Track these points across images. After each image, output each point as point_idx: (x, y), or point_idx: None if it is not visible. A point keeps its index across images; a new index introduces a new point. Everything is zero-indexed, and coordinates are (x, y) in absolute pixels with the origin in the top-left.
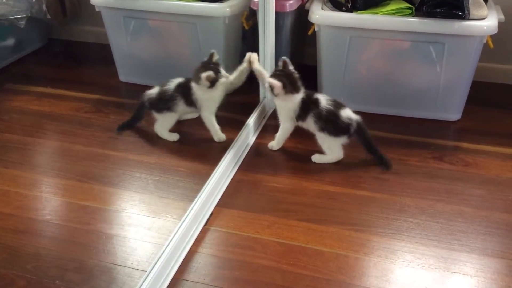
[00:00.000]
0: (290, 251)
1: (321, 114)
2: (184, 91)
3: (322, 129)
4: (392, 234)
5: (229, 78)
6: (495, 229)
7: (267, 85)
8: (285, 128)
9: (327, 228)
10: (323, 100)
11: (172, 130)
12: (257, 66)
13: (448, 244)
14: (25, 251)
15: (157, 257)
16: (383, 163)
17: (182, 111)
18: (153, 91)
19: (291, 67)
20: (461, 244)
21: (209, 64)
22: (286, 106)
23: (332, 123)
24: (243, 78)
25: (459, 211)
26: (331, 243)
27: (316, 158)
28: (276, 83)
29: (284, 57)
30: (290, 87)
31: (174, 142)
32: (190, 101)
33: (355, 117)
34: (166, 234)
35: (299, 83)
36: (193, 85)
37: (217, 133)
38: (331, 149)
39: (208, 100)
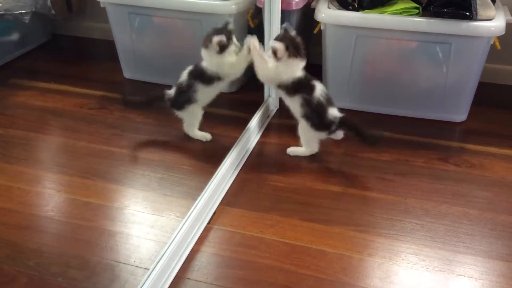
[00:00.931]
0: (293, 251)
1: (311, 102)
2: (197, 73)
3: (307, 117)
4: (396, 236)
5: (243, 52)
6: (501, 232)
7: (270, 50)
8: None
9: (331, 228)
10: (319, 89)
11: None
12: (257, 52)
13: (453, 246)
14: (28, 247)
15: (160, 255)
16: (375, 140)
17: (203, 97)
18: (172, 91)
19: (293, 33)
20: (466, 247)
21: (223, 30)
22: (288, 72)
23: (318, 115)
24: (243, 65)
25: (464, 213)
26: (335, 244)
27: (290, 150)
28: (279, 45)
29: (285, 24)
30: (293, 50)
31: (177, 140)
32: (208, 79)
33: (339, 115)
34: (169, 232)
35: (302, 48)
36: (203, 52)
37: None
38: (308, 142)
39: (229, 66)
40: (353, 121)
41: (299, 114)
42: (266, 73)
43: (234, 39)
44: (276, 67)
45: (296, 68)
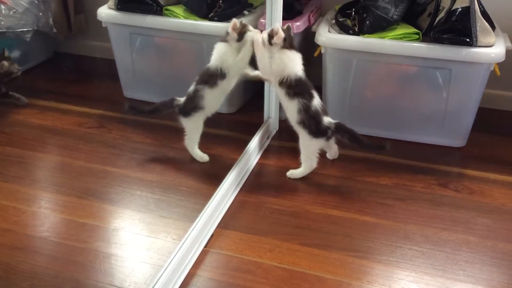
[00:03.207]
0: (291, 277)
1: (309, 109)
2: (202, 76)
3: (303, 124)
4: (396, 262)
5: (247, 46)
6: (501, 260)
7: (265, 35)
8: (267, 80)
9: (330, 253)
10: (317, 99)
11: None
12: (260, 46)
13: (454, 274)
14: (21, 268)
15: (156, 279)
16: (378, 148)
17: (209, 102)
18: (182, 99)
19: (292, 34)
20: (467, 275)
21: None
22: (288, 65)
23: (314, 122)
24: (247, 59)
25: (465, 240)
26: (334, 270)
27: (290, 173)
28: (281, 32)
29: (288, 25)
30: (288, 43)
31: (176, 161)
32: (211, 77)
33: (333, 121)
34: (166, 255)
35: (296, 46)
36: (221, 45)
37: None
38: (308, 155)
39: (237, 63)
40: (347, 126)
41: (295, 121)
42: (266, 65)
43: (250, 27)
44: (276, 57)
45: (294, 62)
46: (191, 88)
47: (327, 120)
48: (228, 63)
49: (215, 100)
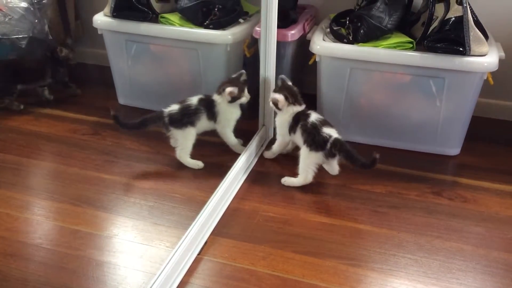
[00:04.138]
0: (285, 285)
1: (306, 127)
2: (207, 104)
3: (305, 141)
4: (390, 271)
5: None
6: (494, 269)
7: (271, 102)
8: (281, 140)
9: (323, 261)
10: (314, 116)
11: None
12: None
13: (447, 283)
14: (13, 275)
15: (149, 286)
16: (371, 164)
17: (201, 126)
18: (174, 107)
19: (289, 83)
20: (460, 283)
21: (237, 81)
22: (284, 118)
23: (311, 136)
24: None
25: (458, 248)
26: (327, 278)
27: (285, 180)
28: (279, 96)
29: (282, 76)
30: (292, 98)
31: (169, 168)
32: (212, 114)
33: (335, 134)
34: (159, 262)
35: (299, 96)
36: (215, 96)
37: (236, 146)
38: (306, 168)
39: (228, 115)
40: (345, 145)
41: (301, 143)
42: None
43: (246, 92)
44: (284, 118)
45: (293, 111)
46: (193, 102)
47: (327, 131)
48: (220, 113)
49: (207, 127)
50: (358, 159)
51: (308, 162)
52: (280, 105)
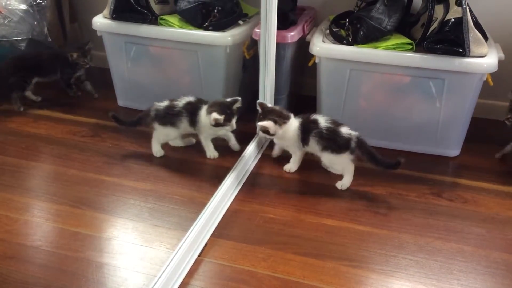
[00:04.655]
0: (285, 287)
1: (322, 133)
2: (192, 110)
3: (326, 147)
4: (390, 272)
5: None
6: (495, 269)
7: (260, 131)
8: (298, 155)
9: (324, 263)
10: (322, 119)
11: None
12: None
13: (448, 284)
14: (13, 278)
15: None
16: (394, 167)
17: (183, 129)
18: (162, 104)
19: (269, 105)
20: (461, 284)
21: (228, 108)
22: (288, 136)
23: (333, 141)
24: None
25: (459, 249)
26: (328, 279)
27: (341, 184)
28: (268, 123)
29: (258, 101)
30: (279, 119)
31: (169, 169)
32: (193, 121)
33: (354, 133)
34: (159, 264)
35: (285, 111)
36: (202, 110)
37: (210, 151)
38: (343, 166)
39: (208, 129)
40: (369, 147)
41: (319, 151)
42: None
43: (234, 121)
44: (290, 135)
45: (292, 128)
46: (180, 104)
47: (345, 131)
48: (201, 124)
49: (190, 130)
50: (381, 159)
51: (341, 162)
52: (271, 131)
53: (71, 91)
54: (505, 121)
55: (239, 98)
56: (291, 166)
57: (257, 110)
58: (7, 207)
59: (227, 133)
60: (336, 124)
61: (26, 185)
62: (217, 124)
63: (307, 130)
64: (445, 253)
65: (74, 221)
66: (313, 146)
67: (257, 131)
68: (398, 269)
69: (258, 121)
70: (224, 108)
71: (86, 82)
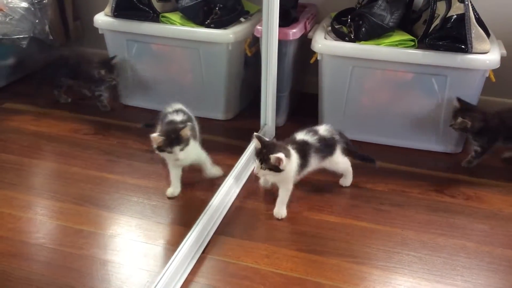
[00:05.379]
0: (289, 283)
1: (317, 146)
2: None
3: (324, 156)
4: (394, 268)
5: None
6: (498, 265)
7: (274, 161)
8: (290, 190)
9: (327, 259)
10: (305, 135)
11: None
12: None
13: (451, 280)
14: (16, 275)
15: (153, 285)
16: (369, 161)
17: None
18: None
19: (267, 138)
20: (464, 280)
21: (173, 133)
22: (290, 169)
23: (325, 146)
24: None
25: (462, 245)
26: (331, 276)
27: (343, 182)
28: (282, 155)
29: (255, 134)
30: (286, 151)
31: None
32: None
33: (331, 128)
34: (163, 261)
35: (283, 144)
36: (187, 132)
37: (171, 184)
38: (346, 164)
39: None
40: (347, 140)
41: (320, 162)
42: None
43: (177, 150)
44: (292, 167)
45: (294, 159)
46: (167, 115)
47: (325, 131)
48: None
49: None
50: (357, 152)
51: (341, 160)
52: (284, 163)
53: (99, 104)
54: (450, 127)
55: (189, 123)
56: (281, 210)
57: (257, 142)
58: (10, 205)
59: (199, 159)
60: (315, 131)
61: (29, 183)
62: (156, 146)
63: (304, 153)
64: (448, 249)
65: (77, 218)
66: (313, 164)
67: (256, 171)
68: (401, 265)
69: (260, 157)
70: (170, 131)
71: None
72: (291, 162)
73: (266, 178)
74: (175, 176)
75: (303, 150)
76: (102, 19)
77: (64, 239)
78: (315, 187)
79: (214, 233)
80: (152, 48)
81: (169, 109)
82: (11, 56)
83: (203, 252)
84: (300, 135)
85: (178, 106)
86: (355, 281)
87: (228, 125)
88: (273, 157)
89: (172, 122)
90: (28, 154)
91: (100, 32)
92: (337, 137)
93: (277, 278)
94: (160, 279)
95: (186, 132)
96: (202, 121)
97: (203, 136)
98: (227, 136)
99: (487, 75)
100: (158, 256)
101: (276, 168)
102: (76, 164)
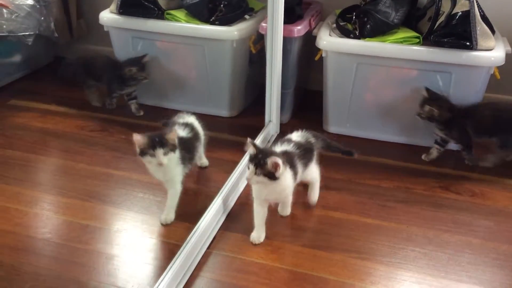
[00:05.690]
0: (294, 278)
1: (300, 154)
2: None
3: (305, 163)
4: (399, 264)
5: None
6: (504, 262)
7: (270, 165)
8: (290, 199)
9: (332, 255)
10: (284, 146)
11: None
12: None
13: (456, 276)
14: (23, 269)
15: (159, 280)
16: (346, 153)
17: None
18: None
19: (260, 146)
20: (469, 276)
21: (157, 137)
22: (288, 178)
23: (305, 151)
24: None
25: (467, 242)
26: (336, 271)
27: (312, 197)
28: (279, 160)
29: (249, 140)
30: (283, 159)
31: None
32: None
33: (304, 133)
34: (169, 256)
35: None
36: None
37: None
38: (318, 170)
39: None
40: (323, 136)
41: (304, 171)
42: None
43: (160, 154)
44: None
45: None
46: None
47: (299, 137)
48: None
49: None
50: (336, 145)
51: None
52: (278, 173)
53: (133, 107)
54: (416, 116)
55: (175, 129)
56: (261, 235)
57: (252, 148)
58: (17, 201)
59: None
60: (288, 139)
61: (35, 179)
62: (140, 151)
63: (291, 163)
64: (454, 245)
65: (83, 214)
66: (301, 172)
67: (248, 176)
68: (406, 261)
69: (255, 162)
70: (155, 135)
71: (134, 101)
72: (287, 172)
73: (260, 190)
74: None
75: (290, 159)
76: (107, 16)
77: (70, 234)
78: (320, 184)
79: (220, 229)
80: (157, 45)
81: (180, 120)
82: (17, 53)
83: (209, 247)
84: (281, 146)
85: (190, 119)
86: (361, 276)
87: (232, 122)
88: (270, 160)
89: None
90: (34, 151)
91: (105, 29)
92: (313, 140)
93: (282, 273)
94: (167, 273)
95: (172, 136)
96: (207, 118)
97: (208, 134)
98: (231, 133)
99: (492, 72)
100: (164, 251)
101: (271, 175)
102: (82, 160)
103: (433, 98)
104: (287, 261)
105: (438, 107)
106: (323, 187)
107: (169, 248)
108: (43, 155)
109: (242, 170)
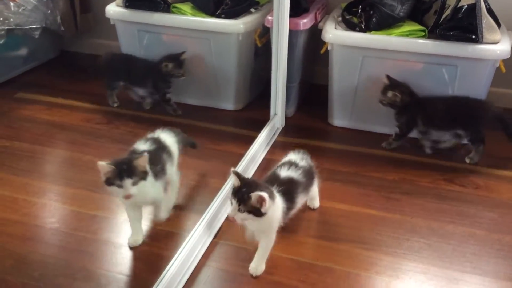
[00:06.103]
0: (299, 268)
1: (301, 181)
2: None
3: (306, 188)
4: (403, 254)
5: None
6: (507, 252)
7: (255, 200)
8: (273, 240)
9: (337, 245)
10: (284, 171)
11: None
12: None
13: (461, 266)
14: (32, 258)
15: (166, 269)
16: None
17: None
18: None
19: (246, 176)
20: (473, 267)
21: (125, 164)
22: (276, 213)
23: (307, 176)
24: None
25: (471, 233)
26: (341, 261)
27: (313, 204)
28: (265, 194)
29: (232, 169)
30: (270, 192)
31: (184, 155)
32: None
33: (304, 155)
34: (176, 246)
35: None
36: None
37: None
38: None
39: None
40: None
41: (305, 197)
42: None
43: (128, 184)
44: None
45: (279, 202)
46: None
47: (296, 158)
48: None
49: None
50: None
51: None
52: (264, 209)
53: (169, 108)
54: (379, 103)
55: (146, 154)
56: (260, 265)
57: (235, 179)
58: (25, 191)
59: (157, 200)
60: (289, 162)
61: (43, 170)
62: (106, 179)
63: (289, 195)
64: (458, 236)
65: (91, 204)
66: (299, 203)
67: (231, 213)
68: (411, 251)
69: (238, 196)
70: (122, 161)
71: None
72: (275, 206)
73: (245, 224)
74: (134, 219)
75: (289, 188)
76: (113, 9)
77: (78, 224)
78: (324, 175)
79: (226, 219)
80: (163, 39)
81: (152, 135)
82: (24, 47)
83: (215, 237)
84: (280, 171)
85: (162, 134)
86: (365, 266)
87: (238, 115)
88: (254, 195)
89: (133, 152)
90: (41, 142)
91: (111, 22)
92: (312, 163)
93: (288, 263)
94: (174, 262)
95: (141, 162)
96: (212, 111)
97: (214, 127)
98: (237, 126)
99: (497, 66)
100: (171, 241)
101: (257, 211)
102: (88, 152)
103: (394, 84)
104: (293, 251)
105: (400, 93)
106: (329, 179)
107: (176, 237)
108: (50, 147)
109: (249, 160)
